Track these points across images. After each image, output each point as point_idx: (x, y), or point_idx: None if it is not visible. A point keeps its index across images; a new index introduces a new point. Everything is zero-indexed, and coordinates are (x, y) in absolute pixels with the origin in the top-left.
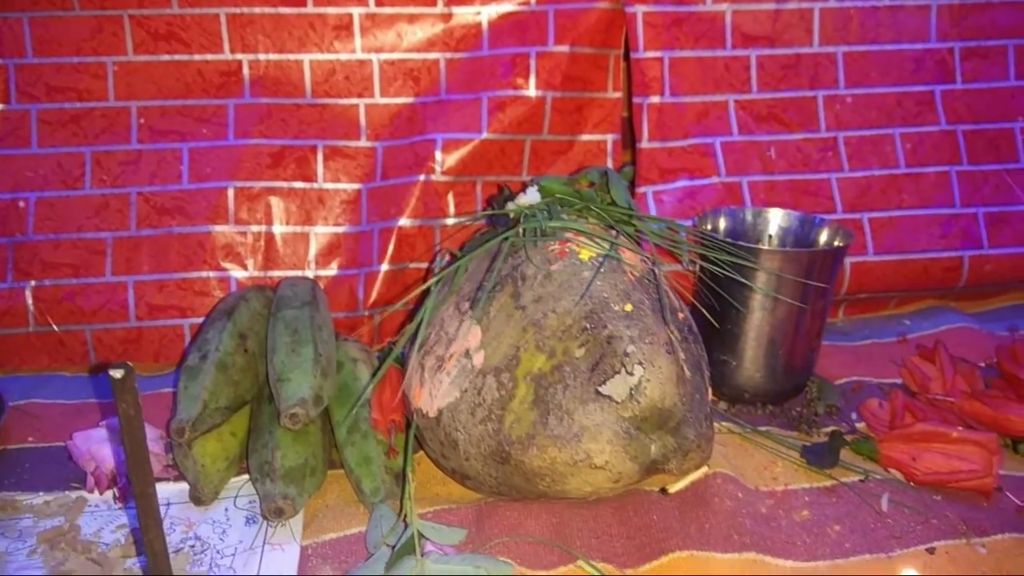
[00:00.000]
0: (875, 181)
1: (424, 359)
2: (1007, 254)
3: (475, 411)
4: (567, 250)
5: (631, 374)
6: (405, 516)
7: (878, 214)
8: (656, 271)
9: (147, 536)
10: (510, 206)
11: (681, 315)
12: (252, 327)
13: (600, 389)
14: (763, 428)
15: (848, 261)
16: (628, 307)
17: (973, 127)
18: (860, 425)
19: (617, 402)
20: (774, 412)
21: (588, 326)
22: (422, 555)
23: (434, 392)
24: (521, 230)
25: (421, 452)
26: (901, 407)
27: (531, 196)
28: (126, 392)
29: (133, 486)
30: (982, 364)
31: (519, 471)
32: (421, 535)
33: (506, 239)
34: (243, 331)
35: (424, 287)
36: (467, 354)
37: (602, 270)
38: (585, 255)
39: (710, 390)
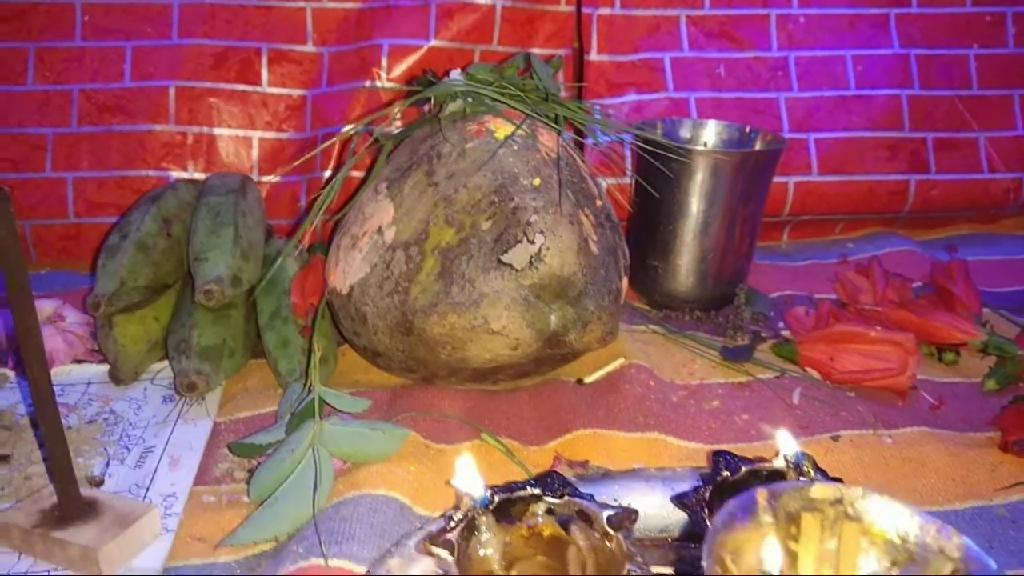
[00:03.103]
0: (824, 102)
1: (341, 240)
2: (955, 180)
3: (383, 284)
4: (484, 129)
5: (532, 242)
6: (311, 386)
7: (824, 134)
8: (565, 147)
9: (31, 374)
10: (432, 89)
11: (599, 203)
12: (178, 214)
13: (502, 258)
14: (690, 332)
15: (791, 181)
16: (536, 181)
17: (927, 52)
18: (786, 332)
19: (517, 270)
20: (702, 318)
21: (496, 199)
22: (321, 419)
23: (347, 270)
24: (440, 111)
25: (347, 345)
26: (826, 313)
27: (454, 79)
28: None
29: (16, 324)
30: (919, 283)
31: (422, 340)
32: (323, 401)
33: (428, 122)
34: (168, 216)
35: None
36: (379, 231)
37: (516, 148)
38: (501, 134)
39: (625, 280)
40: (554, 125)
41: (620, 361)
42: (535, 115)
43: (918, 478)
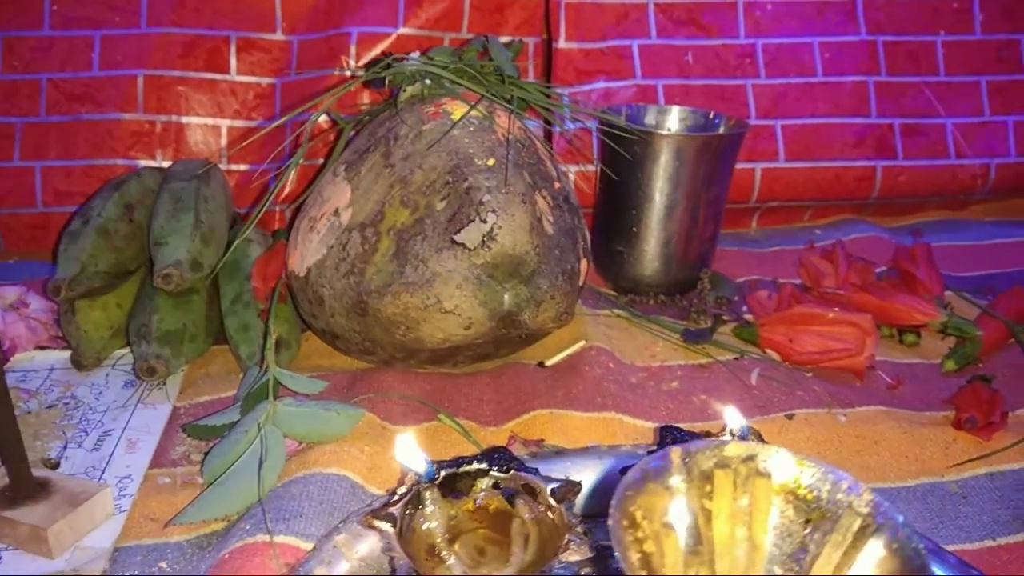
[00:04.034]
0: (791, 89)
1: (300, 223)
2: (922, 166)
3: (339, 266)
4: (441, 111)
5: (484, 221)
6: (267, 368)
7: (791, 121)
8: (523, 129)
9: None
10: (388, 71)
11: (557, 185)
12: (142, 200)
13: (455, 237)
14: (654, 316)
15: (758, 167)
16: (491, 162)
17: (894, 38)
18: (749, 316)
19: (470, 249)
20: (666, 302)
21: (451, 180)
22: (275, 400)
23: (304, 253)
24: (399, 94)
25: (310, 332)
26: (788, 296)
27: (412, 62)
28: None
29: None
30: (883, 267)
31: (377, 321)
32: (278, 382)
33: (390, 106)
34: (130, 202)
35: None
36: (336, 213)
37: (472, 129)
38: (458, 115)
39: (585, 262)
40: (508, 105)
41: (581, 344)
42: (491, 97)
43: (871, 455)
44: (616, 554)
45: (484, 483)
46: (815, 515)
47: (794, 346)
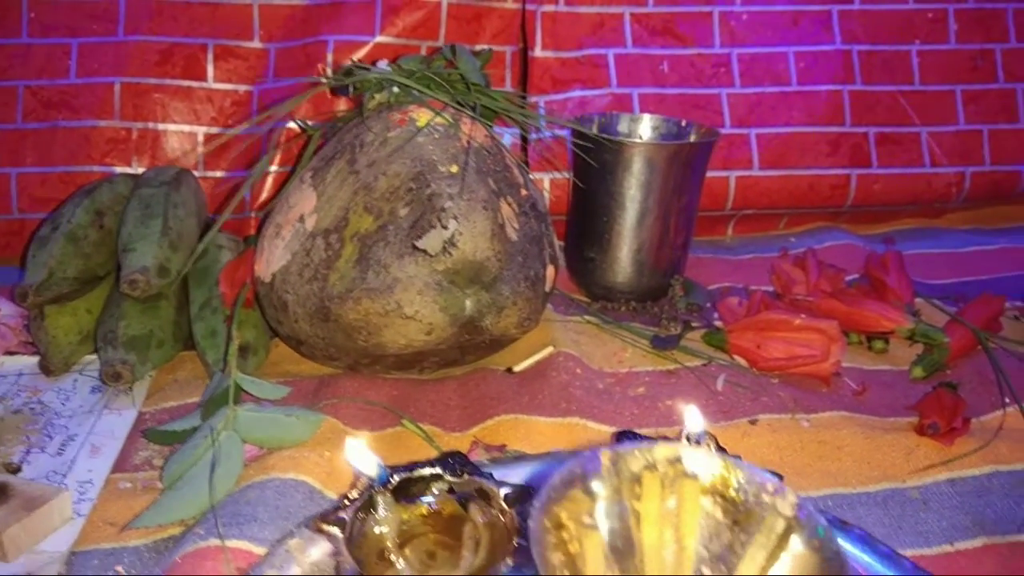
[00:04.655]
0: (766, 98)
1: (267, 229)
2: (896, 174)
3: (303, 272)
4: (407, 119)
5: (446, 228)
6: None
7: (766, 130)
8: (489, 136)
9: None
10: (352, 78)
11: (524, 192)
12: (112, 207)
13: (416, 243)
14: (624, 323)
15: (732, 175)
16: (454, 168)
17: (869, 48)
18: (719, 323)
19: (431, 255)
20: (637, 309)
21: (414, 186)
22: (236, 405)
23: (269, 259)
24: (365, 102)
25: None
26: (758, 303)
27: (380, 69)
28: None
29: None
30: (855, 275)
31: (339, 327)
32: (239, 387)
33: (358, 114)
34: (101, 209)
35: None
36: (301, 219)
37: (437, 136)
38: (423, 122)
39: (552, 268)
40: (471, 113)
41: (549, 349)
42: (456, 105)
43: (832, 461)
44: (535, 554)
45: (438, 487)
46: (742, 516)
47: (761, 352)
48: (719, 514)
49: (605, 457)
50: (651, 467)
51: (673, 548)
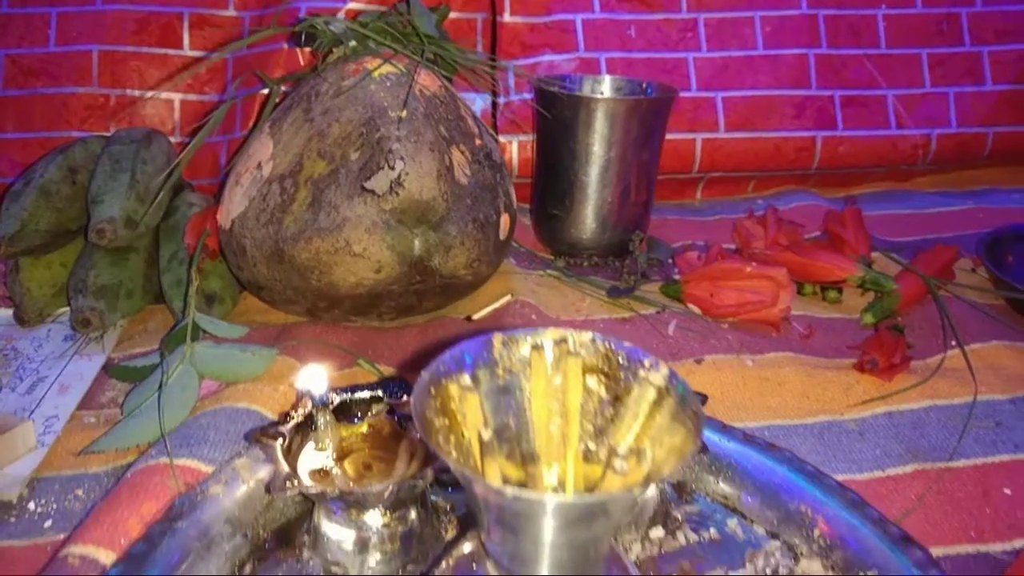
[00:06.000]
0: (732, 62)
1: (228, 180)
2: (862, 136)
3: (260, 216)
4: (362, 69)
5: (392, 168)
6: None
7: (732, 93)
8: (444, 86)
9: None
10: (303, 26)
11: (478, 141)
12: (86, 165)
13: (365, 184)
14: (585, 276)
15: (699, 137)
16: (404, 113)
17: (835, 12)
18: (678, 276)
19: (378, 195)
20: (600, 264)
21: (364, 131)
22: (193, 342)
23: (229, 206)
24: (322, 56)
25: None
26: (715, 255)
27: (338, 21)
28: None
29: None
30: (816, 232)
31: (293, 267)
32: (197, 327)
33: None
34: (74, 166)
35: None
36: (259, 166)
37: (389, 84)
38: (377, 73)
39: (507, 217)
40: (425, 63)
41: (507, 298)
42: (410, 55)
43: (773, 396)
44: (414, 418)
45: (378, 408)
46: (622, 391)
47: (714, 300)
48: (602, 391)
49: (497, 340)
50: (537, 347)
51: (559, 422)
